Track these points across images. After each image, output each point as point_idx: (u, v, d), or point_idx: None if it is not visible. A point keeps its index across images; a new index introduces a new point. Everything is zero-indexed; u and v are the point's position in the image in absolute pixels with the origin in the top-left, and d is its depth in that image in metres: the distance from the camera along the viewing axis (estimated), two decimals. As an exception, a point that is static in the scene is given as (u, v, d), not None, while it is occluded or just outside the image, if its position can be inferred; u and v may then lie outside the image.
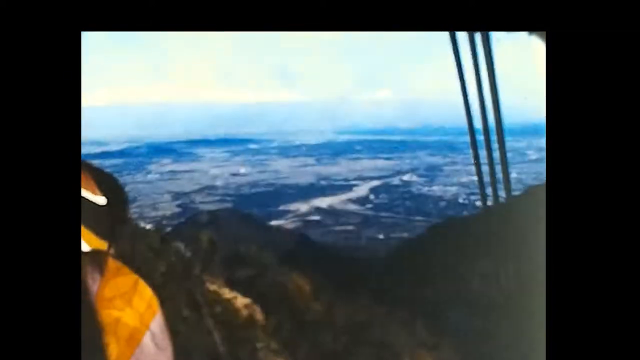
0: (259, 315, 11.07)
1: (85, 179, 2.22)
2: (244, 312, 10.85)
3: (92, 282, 1.98)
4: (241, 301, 11.07)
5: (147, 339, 1.96)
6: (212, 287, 11.17)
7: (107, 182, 2.31)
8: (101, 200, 2.22)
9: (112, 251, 2.26)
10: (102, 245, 2.19)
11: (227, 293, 11.17)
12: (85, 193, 2.18)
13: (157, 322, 2.04)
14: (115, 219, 2.33)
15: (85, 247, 2.14)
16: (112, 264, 2.10)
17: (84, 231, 2.14)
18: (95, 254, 2.06)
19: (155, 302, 2.07)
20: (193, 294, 10.10)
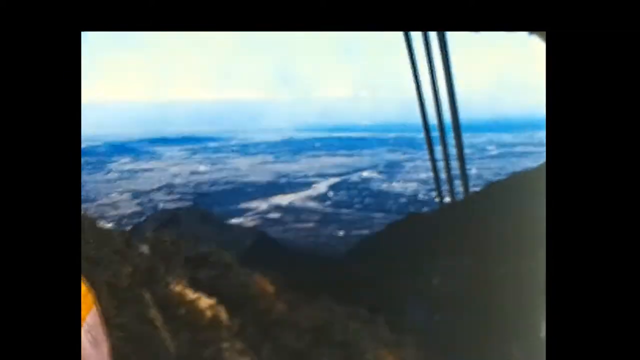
0: (223, 316, 11.09)
1: None
2: (209, 313, 10.87)
3: None
4: (205, 302, 11.08)
5: (82, 333, 2.00)
6: (177, 288, 11.18)
7: None
8: None
9: None
10: None
11: (190, 294, 11.18)
12: None
13: (92, 317, 2.09)
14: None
15: None
16: None
17: None
18: None
19: (90, 297, 2.12)
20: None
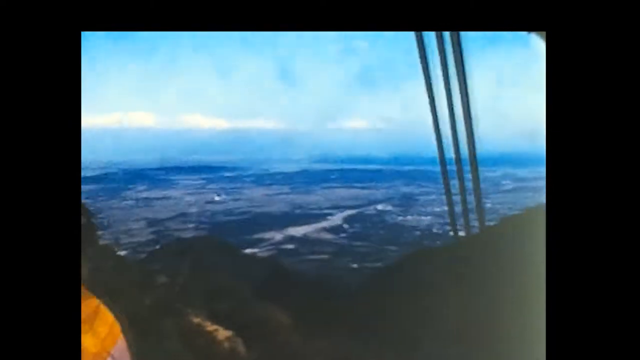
0: (240, 348, 11.19)
1: None
2: (226, 345, 10.97)
3: None
4: (223, 334, 11.17)
5: None
6: (196, 320, 11.31)
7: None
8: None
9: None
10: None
11: (209, 325, 11.29)
12: None
13: (118, 348, 2.22)
14: (86, 241, 2.53)
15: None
16: None
17: None
18: None
19: (117, 327, 2.24)
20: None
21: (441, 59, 13.09)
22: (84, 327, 2.05)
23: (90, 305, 2.14)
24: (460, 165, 18.26)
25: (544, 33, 2.81)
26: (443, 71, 13.82)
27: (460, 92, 13.67)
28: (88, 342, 2.05)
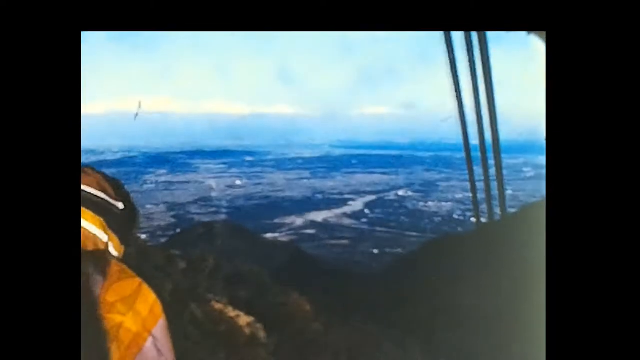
0: (261, 334, 11.21)
1: (103, 184, 2.41)
2: (247, 331, 10.98)
3: (94, 284, 2.02)
4: (244, 320, 11.19)
5: (149, 344, 2.06)
6: (218, 306, 11.33)
7: (120, 189, 2.51)
8: (120, 205, 2.43)
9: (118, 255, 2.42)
10: (121, 250, 2.39)
11: (230, 311, 11.31)
12: (106, 197, 2.38)
13: (159, 327, 2.14)
14: (130, 225, 2.53)
15: (113, 252, 2.35)
16: (115, 266, 2.14)
17: (111, 236, 2.34)
18: (98, 256, 2.15)
19: (158, 307, 2.17)
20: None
21: (467, 47, 13.03)
22: (124, 307, 1.99)
23: (132, 284, 2.09)
24: (485, 152, 18.09)
25: (543, 33, 2.76)
26: (469, 60, 13.74)
27: (485, 81, 13.58)
28: (129, 322, 1.99)
